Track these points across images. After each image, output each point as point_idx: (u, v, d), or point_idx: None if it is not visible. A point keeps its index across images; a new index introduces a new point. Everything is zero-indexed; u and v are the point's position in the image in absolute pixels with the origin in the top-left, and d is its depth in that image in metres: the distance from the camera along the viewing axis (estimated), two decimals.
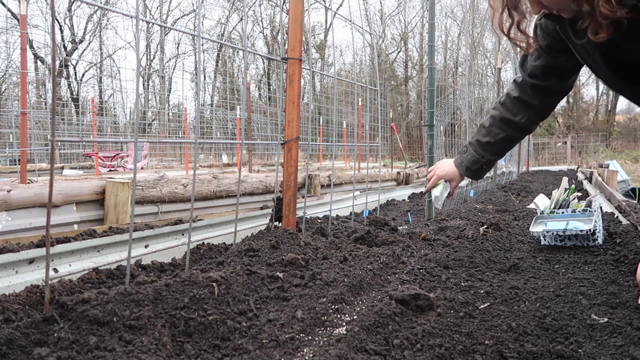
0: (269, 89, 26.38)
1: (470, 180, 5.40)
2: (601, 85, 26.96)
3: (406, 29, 29.07)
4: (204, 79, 26.03)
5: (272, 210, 2.17)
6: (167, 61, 28.25)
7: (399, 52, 29.42)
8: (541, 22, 1.60)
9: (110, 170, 9.48)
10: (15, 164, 9.46)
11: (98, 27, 25.89)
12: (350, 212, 2.99)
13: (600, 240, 2.22)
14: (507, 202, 4.27)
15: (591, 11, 1.19)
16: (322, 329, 1.19)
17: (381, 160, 8.76)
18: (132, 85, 19.49)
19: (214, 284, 1.29)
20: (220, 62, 28.09)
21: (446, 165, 2.10)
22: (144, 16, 24.84)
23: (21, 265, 1.53)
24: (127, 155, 11.30)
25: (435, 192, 2.13)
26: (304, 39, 2.12)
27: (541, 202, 2.67)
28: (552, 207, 2.55)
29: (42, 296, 1.22)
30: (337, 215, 3.21)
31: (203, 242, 1.97)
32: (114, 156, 11.20)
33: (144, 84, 26.47)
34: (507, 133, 1.92)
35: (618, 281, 1.61)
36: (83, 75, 26.91)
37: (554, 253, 2.13)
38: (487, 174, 6.23)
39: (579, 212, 2.36)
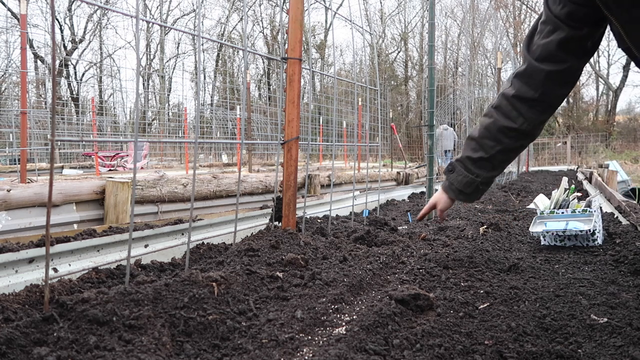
0: (269, 88, 26.39)
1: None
2: (601, 85, 27.01)
3: (406, 29, 29.09)
4: (204, 78, 26.03)
5: (272, 210, 2.17)
6: (167, 61, 28.28)
7: (399, 52, 29.45)
8: None
9: (110, 170, 9.47)
10: (15, 164, 9.46)
11: (98, 27, 25.90)
12: (350, 212, 2.99)
13: (600, 241, 2.22)
14: (507, 202, 4.27)
15: None
16: (322, 328, 1.19)
17: (381, 160, 8.76)
18: (132, 85, 19.49)
19: (214, 283, 1.29)
20: (220, 61, 28.10)
21: (437, 193, 1.82)
22: (144, 16, 24.83)
23: (21, 264, 1.53)
24: (127, 155, 11.30)
25: None
26: (304, 38, 2.12)
27: (541, 202, 2.67)
28: (552, 207, 2.55)
29: (42, 296, 1.22)
30: (337, 215, 3.21)
31: (203, 242, 1.97)
32: (114, 156, 11.20)
33: (144, 84, 26.47)
34: (506, 144, 1.58)
35: (618, 281, 1.61)
36: (83, 74, 26.94)
37: (554, 253, 2.13)
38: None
39: (579, 212, 2.36)
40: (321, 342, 1.10)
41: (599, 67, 26.58)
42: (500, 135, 1.57)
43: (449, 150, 10.13)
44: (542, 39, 1.45)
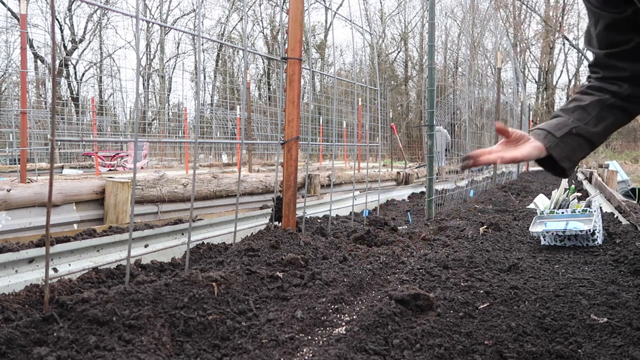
0: (269, 88, 26.39)
1: (470, 180, 5.37)
2: None
3: (406, 29, 29.09)
4: (204, 78, 26.04)
5: (272, 210, 2.17)
6: (167, 61, 28.29)
7: (399, 52, 29.44)
8: None
9: (110, 170, 9.47)
10: (15, 164, 9.45)
11: (98, 27, 25.90)
12: (350, 212, 2.99)
13: (599, 241, 2.22)
14: (507, 202, 4.27)
15: None
16: (322, 328, 1.19)
17: (381, 160, 8.76)
18: (132, 85, 19.50)
19: (214, 283, 1.29)
20: (220, 61, 28.10)
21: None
22: (144, 16, 24.84)
23: (21, 264, 1.53)
24: (127, 155, 11.29)
25: None
26: (304, 38, 2.12)
27: (541, 202, 2.67)
28: (551, 207, 2.56)
29: (42, 295, 1.22)
30: (337, 215, 3.21)
31: (203, 242, 1.97)
32: (114, 156, 11.19)
33: (144, 84, 26.47)
34: (605, 99, 1.36)
35: (618, 281, 1.61)
36: (83, 74, 26.92)
37: (554, 253, 2.13)
38: (487, 173, 6.22)
39: (579, 212, 2.36)
40: (321, 342, 1.10)
41: None
42: (598, 94, 1.37)
43: (439, 152, 10.05)
44: (595, 31, 1.33)
